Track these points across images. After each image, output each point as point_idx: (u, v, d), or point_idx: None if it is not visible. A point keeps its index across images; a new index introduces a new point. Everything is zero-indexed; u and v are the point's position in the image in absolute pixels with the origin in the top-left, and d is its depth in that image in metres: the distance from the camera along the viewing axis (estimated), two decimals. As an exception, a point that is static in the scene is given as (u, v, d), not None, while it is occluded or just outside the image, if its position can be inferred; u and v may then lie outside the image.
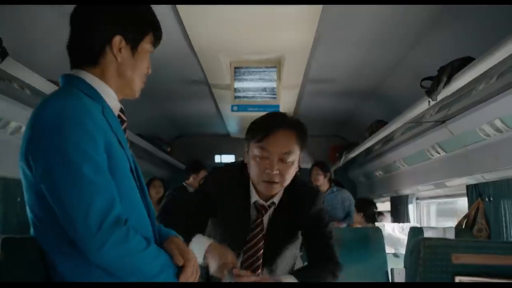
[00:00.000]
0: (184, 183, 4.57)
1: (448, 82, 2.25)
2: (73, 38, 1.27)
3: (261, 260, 1.73)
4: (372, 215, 4.13)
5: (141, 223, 1.24)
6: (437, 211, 4.66)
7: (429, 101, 2.47)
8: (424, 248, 1.12)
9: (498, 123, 2.38)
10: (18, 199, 2.86)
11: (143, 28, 1.31)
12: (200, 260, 1.57)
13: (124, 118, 1.33)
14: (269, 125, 1.69)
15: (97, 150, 1.13)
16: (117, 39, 1.25)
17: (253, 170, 1.71)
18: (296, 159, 1.70)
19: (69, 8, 2.38)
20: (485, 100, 2.39)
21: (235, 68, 3.66)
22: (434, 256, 1.11)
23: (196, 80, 4.04)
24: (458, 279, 1.10)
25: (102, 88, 1.26)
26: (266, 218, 1.76)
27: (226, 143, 6.69)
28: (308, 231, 1.78)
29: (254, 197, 1.77)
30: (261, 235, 1.74)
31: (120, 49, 1.26)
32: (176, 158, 6.20)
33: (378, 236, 3.06)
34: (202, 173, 4.54)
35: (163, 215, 4.15)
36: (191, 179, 4.57)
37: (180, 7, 2.55)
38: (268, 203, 1.76)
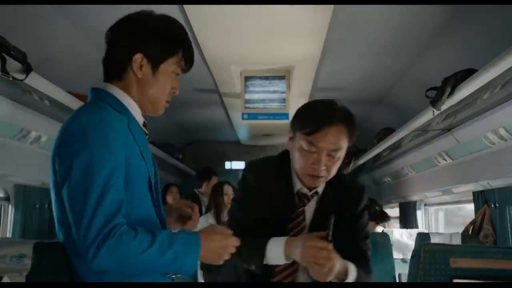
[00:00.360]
0: (196, 191, 4.65)
1: (452, 92, 2.32)
2: (105, 53, 1.36)
3: None
4: (375, 213, 4.19)
5: (147, 215, 1.31)
6: (446, 217, 4.70)
7: (433, 111, 2.54)
8: (424, 252, 1.20)
9: (502, 131, 2.44)
10: (37, 206, 2.97)
11: (168, 48, 1.35)
12: (282, 260, 1.57)
13: (146, 132, 1.39)
14: (320, 119, 1.59)
15: (115, 163, 1.19)
16: (138, 57, 1.31)
17: (298, 162, 1.64)
18: (344, 154, 1.63)
19: (88, 23, 2.51)
20: (489, 109, 2.45)
21: (246, 77, 3.76)
22: (433, 260, 1.18)
23: (207, 89, 4.13)
24: (456, 282, 1.17)
25: (127, 102, 1.33)
26: (308, 208, 1.69)
27: (236, 150, 6.78)
28: (349, 227, 1.67)
29: (298, 186, 1.70)
30: (303, 224, 1.67)
31: (141, 67, 1.32)
32: (187, 165, 6.30)
33: (385, 241, 3.13)
34: (214, 180, 4.61)
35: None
36: (203, 187, 4.64)
37: (192, 19, 2.65)
38: (311, 192, 1.69)
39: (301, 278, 1.65)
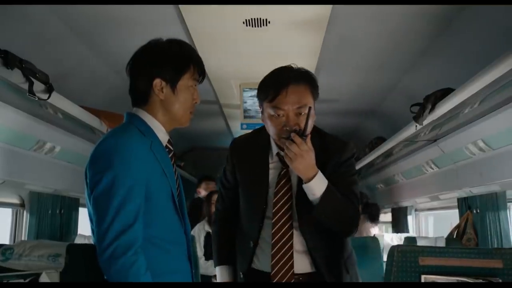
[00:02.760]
0: (199, 196, 4.88)
1: (432, 109, 2.53)
2: (130, 85, 1.56)
3: (290, 212, 1.73)
4: (366, 204, 4.38)
5: (176, 239, 1.51)
6: (436, 222, 4.89)
7: (416, 126, 2.74)
8: (397, 252, 1.41)
9: (481, 143, 2.63)
10: (49, 212, 3.16)
11: (179, 67, 1.51)
12: None
13: (171, 148, 1.58)
14: (278, 82, 1.67)
15: (134, 181, 1.38)
16: (157, 81, 1.49)
17: (272, 129, 1.72)
18: (313, 108, 1.68)
19: (96, 40, 2.69)
20: (469, 123, 2.65)
21: (244, 89, 3.97)
22: (405, 258, 1.40)
23: (208, 100, 4.35)
24: (423, 277, 1.39)
25: (152, 124, 1.52)
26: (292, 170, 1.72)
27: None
28: (334, 178, 1.71)
29: (275, 150, 1.78)
30: (288, 185, 1.75)
31: (162, 89, 1.50)
32: (188, 172, 6.49)
33: (376, 245, 3.33)
34: (204, 184, 4.87)
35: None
36: (201, 191, 4.88)
37: (195, 39, 2.86)
38: None
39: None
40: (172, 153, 1.58)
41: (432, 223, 4.77)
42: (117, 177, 1.37)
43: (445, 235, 3.45)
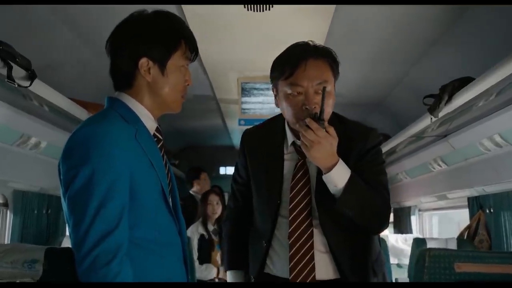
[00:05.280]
0: (190, 192, 4.67)
1: (449, 100, 2.36)
2: (110, 65, 1.35)
3: (309, 208, 1.56)
4: None
5: (169, 241, 1.31)
6: (439, 223, 4.75)
7: (431, 118, 2.57)
8: (428, 257, 1.23)
9: (497, 138, 2.47)
10: (35, 211, 2.96)
11: (169, 45, 1.31)
12: None
13: (160, 137, 1.37)
14: (295, 57, 1.51)
15: (115, 175, 1.18)
16: (144, 61, 1.29)
17: (289, 111, 1.53)
18: (333, 89, 1.52)
19: (85, 28, 2.50)
20: (485, 116, 2.49)
21: (243, 83, 3.79)
22: (438, 265, 1.21)
23: (204, 95, 4.16)
24: (461, 286, 1.21)
25: (138, 110, 1.31)
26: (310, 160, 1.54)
27: (231, 155, 6.81)
28: (359, 168, 1.53)
29: (291, 139, 1.61)
30: (306, 178, 1.58)
31: (149, 70, 1.30)
32: (182, 170, 6.31)
33: (382, 246, 3.15)
34: (204, 176, 4.65)
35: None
36: (195, 186, 4.67)
37: (192, 26, 2.67)
38: None
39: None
40: (162, 143, 1.38)
41: (437, 224, 4.62)
42: (96, 172, 1.17)
43: (450, 236, 3.30)
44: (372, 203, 1.50)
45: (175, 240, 1.35)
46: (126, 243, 1.18)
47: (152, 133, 1.35)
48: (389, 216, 1.58)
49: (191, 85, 1.38)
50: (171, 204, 1.34)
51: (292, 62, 1.50)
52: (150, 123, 1.35)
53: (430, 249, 1.26)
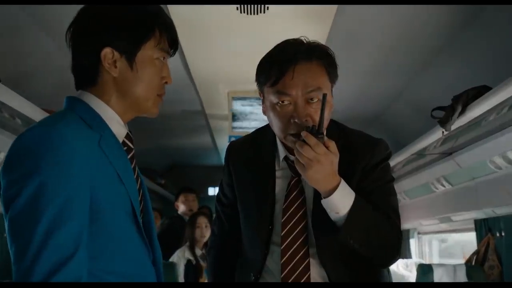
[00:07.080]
0: (179, 213, 4.42)
1: (462, 111, 2.15)
2: (71, 59, 1.10)
3: (305, 234, 1.33)
4: None
5: (138, 271, 1.06)
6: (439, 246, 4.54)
7: (442, 132, 2.37)
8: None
9: (511, 155, 2.30)
10: (5, 235, 2.70)
11: (139, 32, 1.08)
12: None
13: (131, 146, 1.12)
14: (283, 60, 1.26)
15: (72, 190, 0.94)
16: (107, 52, 1.05)
17: (276, 124, 1.29)
18: (330, 96, 1.28)
19: (62, 33, 2.26)
20: (496, 131, 2.31)
21: (233, 98, 3.60)
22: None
23: (193, 110, 3.99)
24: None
25: (103, 111, 1.07)
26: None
27: (220, 175, 6.59)
28: (363, 188, 1.30)
29: (283, 153, 1.36)
30: (301, 199, 1.35)
31: (114, 63, 1.06)
32: (169, 190, 6.07)
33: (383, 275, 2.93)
34: (183, 197, 4.39)
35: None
36: (180, 207, 4.40)
37: (181, 38, 2.49)
38: None
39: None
40: (133, 152, 1.12)
41: (437, 248, 4.41)
42: (45, 186, 0.91)
43: (452, 261, 3.10)
44: (381, 233, 1.28)
45: (147, 272, 1.09)
46: (84, 276, 0.93)
47: (121, 141, 1.10)
48: (400, 246, 1.33)
49: (170, 83, 1.13)
50: (142, 227, 1.08)
51: (279, 66, 1.25)
52: (118, 128, 1.09)
53: None
